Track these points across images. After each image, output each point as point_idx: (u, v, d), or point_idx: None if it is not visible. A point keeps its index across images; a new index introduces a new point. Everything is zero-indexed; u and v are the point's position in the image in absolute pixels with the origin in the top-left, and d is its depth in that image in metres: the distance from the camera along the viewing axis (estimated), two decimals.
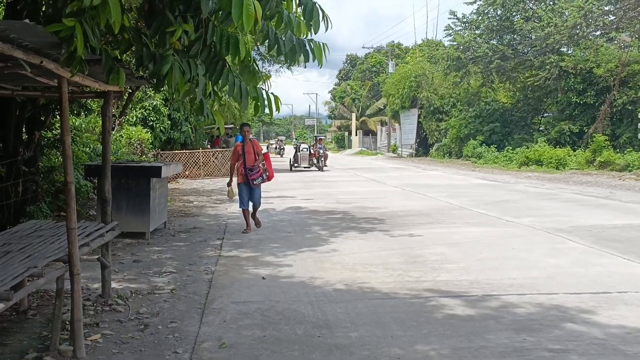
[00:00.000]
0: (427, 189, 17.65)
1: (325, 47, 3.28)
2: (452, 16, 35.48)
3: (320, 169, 28.41)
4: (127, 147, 18.75)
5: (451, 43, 35.95)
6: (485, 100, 36.48)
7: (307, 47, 3.21)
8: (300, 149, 30.29)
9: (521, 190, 17.39)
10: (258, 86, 3.19)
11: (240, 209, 10.27)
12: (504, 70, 32.87)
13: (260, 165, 10.03)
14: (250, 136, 10.24)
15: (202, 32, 2.88)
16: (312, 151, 29.76)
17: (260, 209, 10.60)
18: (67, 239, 4.27)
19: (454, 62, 34.82)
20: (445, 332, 4.87)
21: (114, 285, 6.21)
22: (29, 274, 3.70)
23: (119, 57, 4.23)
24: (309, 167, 29.10)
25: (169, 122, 21.67)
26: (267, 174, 10.18)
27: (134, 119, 20.05)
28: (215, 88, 3.34)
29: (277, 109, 3.29)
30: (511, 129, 34.54)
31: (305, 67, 3.28)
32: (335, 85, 76.97)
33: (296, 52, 3.16)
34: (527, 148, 29.37)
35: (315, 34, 3.19)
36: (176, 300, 5.89)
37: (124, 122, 19.28)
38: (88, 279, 6.48)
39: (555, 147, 28.23)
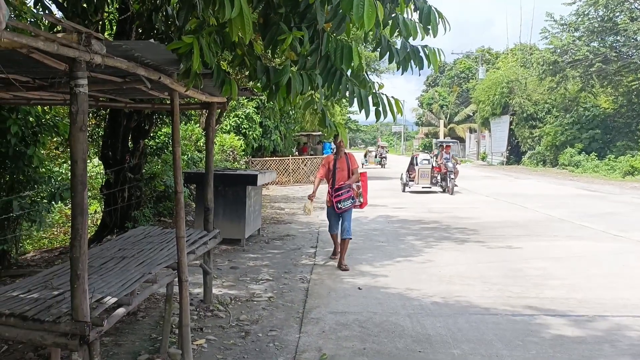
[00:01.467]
0: (522, 199, 16.95)
1: (441, 52, 3.20)
2: (549, 18, 34.00)
3: (446, 190, 19.62)
4: (220, 154, 19.44)
5: (547, 46, 34.47)
6: (584, 106, 34.63)
7: (422, 54, 3.14)
8: (419, 161, 20.64)
9: (628, 202, 16.30)
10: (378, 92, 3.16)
11: (330, 233, 8.44)
12: (606, 74, 31.08)
13: (354, 186, 7.96)
14: (346, 149, 8.26)
15: (318, 43, 2.90)
16: (435, 164, 20.45)
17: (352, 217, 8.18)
18: (177, 246, 4.43)
19: (550, 67, 33.36)
20: (556, 355, 4.61)
21: (214, 291, 6.39)
22: (144, 280, 3.87)
23: (227, 71, 4.35)
24: (431, 187, 20.22)
25: (261, 129, 22.21)
26: (362, 199, 8.03)
27: (228, 127, 20.72)
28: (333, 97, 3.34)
29: (400, 111, 3.23)
30: (613, 135, 32.56)
31: (419, 74, 3.24)
32: (423, 91, 75.90)
33: (410, 59, 3.11)
34: (633, 156, 27.55)
35: (435, 37, 3.12)
36: (274, 309, 5.98)
37: (218, 130, 20.00)
38: (190, 284, 6.71)
39: None
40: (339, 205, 7.79)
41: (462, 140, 60.25)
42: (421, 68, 3.17)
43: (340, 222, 8.01)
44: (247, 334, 5.18)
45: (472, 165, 46.65)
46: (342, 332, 5.19)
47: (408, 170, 20.78)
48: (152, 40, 3.10)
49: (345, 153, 8.13)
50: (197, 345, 4.79)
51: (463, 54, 63.55)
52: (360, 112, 3.02)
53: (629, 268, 7.71)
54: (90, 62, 2.93)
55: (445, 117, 63.42)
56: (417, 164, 20.50)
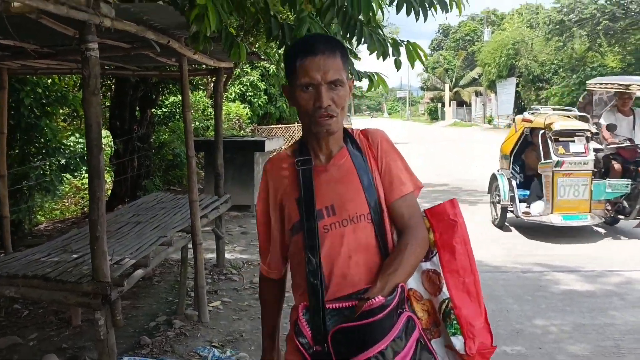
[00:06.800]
0: None
1: None
2: None
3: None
4: (227, 123, 19.41)
5: (553, 5, 33.90)
6: (591, 66, 34.20)
7: None
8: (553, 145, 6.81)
9: None
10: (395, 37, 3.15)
11: None
12: (613, 32, 30.59)
13: (419, 290, 1.74)
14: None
15: None
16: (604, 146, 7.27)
17: None
18: (190, 210, 4.50)
19: (557, 26, 32.85)
20: (565, 308, 4.70)
21: (226, 255, 6.48)
22: (160, 243, 3.95)
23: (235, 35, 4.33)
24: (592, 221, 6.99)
25: (266, 97, 22.15)
26: (459, 336, 1.64)
27: (233, 95, 20.67)
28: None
29: (426, 56, 3.15)
30: None
31: (447, 18, 3.20)
32: (428, 56, 75.15)
33: (431, 6, 3.05)
34: None
35: None
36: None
37: (224, 98, 19.96)
38: (203, 249, 6.80)
39: None
40: None
41: (467, 104, 59.89)
42: (447, 11, 3.11)
43: None
44: None
45: (478, 128, 46.45)
46: None
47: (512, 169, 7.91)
48: (160, 2, 3.10)
49: (350, 136, 1.75)
50: (212, 306, 4.89)
51: (467, 16, 62.70)
52: (378, 59, 2.98)
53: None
54: (100, 26, 2.93)
55: (451, 81, 62.90)
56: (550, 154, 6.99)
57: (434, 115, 68.32)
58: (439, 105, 68.23)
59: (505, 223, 7.67)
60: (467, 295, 1.69)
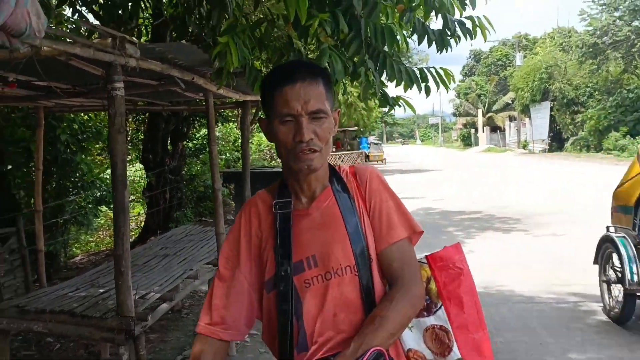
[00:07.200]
0: (571, 185, 16.55)
1: (487, 19, 3.14)
2: None
3: None
4: (257, 154, 19.63)
5: (586, 28, 33.53)
6: (627, 88, 33.54)
7: (467, 26, 3.09)
8: None
9: None
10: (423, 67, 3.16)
11: None
12: None
13: (426, 339, 1.51)
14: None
15: (357, 29, 2.91)
16: None
17: None
18: (216, 243, 4.53)
19: (590, 49, 32.44)
20: (602, 341, 4.52)
21: None
22: (186, 276, 3.97)
23: (259, 69, 4.42)
24: None
25: None
26: None
27: None
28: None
29: (453, 80, 3.16)
30: None
31: (472, 45, 3.20)
32: (459, 81, 74.85)
33: (452, 35, 3.07)
34: None
35: (473, 9, 3.10)
36: None
37: (254, 129, 20.21)
38: None
39: None
40: None
41: (501, 129, 59.26)
42: (472, 38, 3.12)
43: None
44: None
45: (512, 153, 45.87)
46: None
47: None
48: (184, 41, 3.19)
49: (336, 174, 1.57)
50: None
51: (499, 41, 62.47)
52: (406, 91, 3.00)
53: None
54: (126, 66, 3.02)
55: (484, 106, 62.50)
56: None
57: (467, 141, 67.75)
58: (472, 130, 67.71)
59: (633, 317, 4.76)
60: (478, 355, 1.50)
